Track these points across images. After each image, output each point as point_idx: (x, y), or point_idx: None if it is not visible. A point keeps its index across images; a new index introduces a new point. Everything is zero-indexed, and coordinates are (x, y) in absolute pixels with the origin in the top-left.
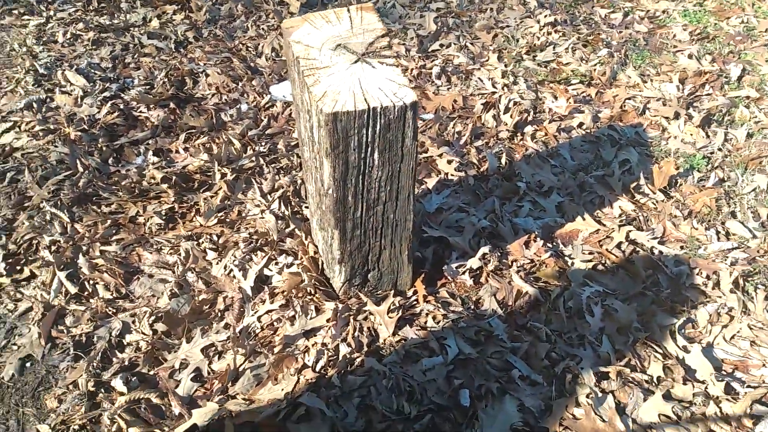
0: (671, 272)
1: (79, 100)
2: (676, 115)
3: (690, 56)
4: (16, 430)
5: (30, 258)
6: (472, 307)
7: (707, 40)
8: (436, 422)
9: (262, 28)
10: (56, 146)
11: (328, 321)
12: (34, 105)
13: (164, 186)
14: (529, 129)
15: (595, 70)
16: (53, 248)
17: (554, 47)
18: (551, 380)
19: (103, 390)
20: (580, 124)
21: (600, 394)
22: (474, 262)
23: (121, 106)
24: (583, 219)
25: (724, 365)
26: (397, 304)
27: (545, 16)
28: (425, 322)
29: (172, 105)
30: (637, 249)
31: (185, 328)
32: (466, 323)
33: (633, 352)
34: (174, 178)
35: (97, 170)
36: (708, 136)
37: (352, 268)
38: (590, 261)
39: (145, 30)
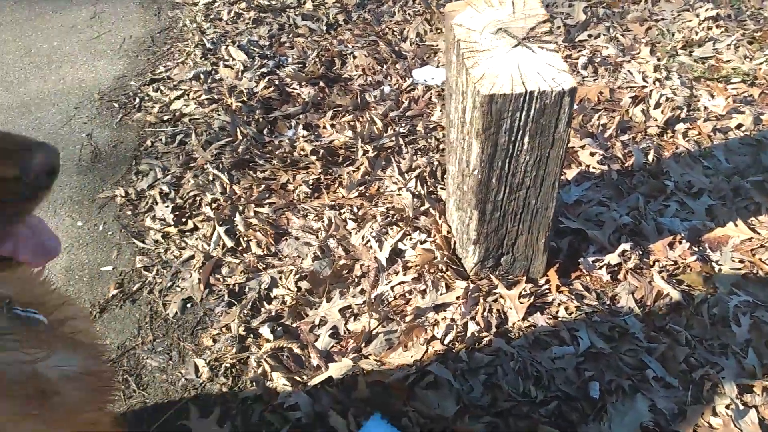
0: None
1: (239, 74)
2: None
3: None
4: (177, 361)
5: (194, 212)
6: (608, 302)
7: None
8: (563, 410)
9: (408, 14)
10: (219, 115)
11: (458, 299)
12: (202, 76)
13: (313, 158)
14: (680, 126)
15: (760, 68)
16: (214, 205)
17: (714, 43)
18: (688, 385)
19: (251, 335)
20: (739, 126)
21: (742, 407)
22: (613, 258)
23: (276, 82)
24: (735, 225)
25: None
26: (529, 291)
27: (706, 10)
28: (557, 312)
29: (321, 84)
30: None
31: (326, 288)
32: (600, 318)
33: None
34: (321, 151)
35: (254, 139)
36: None
37: (486, 250)
38: (740, 269)
39: (299, 11)
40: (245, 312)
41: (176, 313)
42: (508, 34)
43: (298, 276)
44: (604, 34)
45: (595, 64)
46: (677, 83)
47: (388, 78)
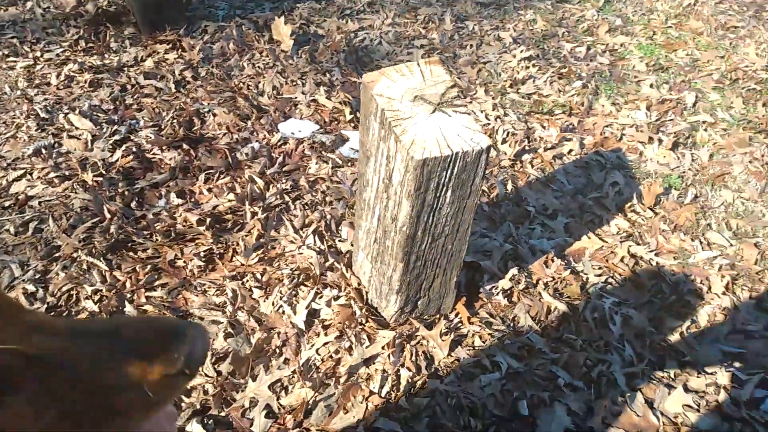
0: (670, 280)
1: (89, 143)
2: (650, 140)
3: (651, 85)
4: None
5: (73, 309)
6: (511, 324)
7: (661, 71)
8: None
9: (259, 67)
10: (76, 193)
11: (383, 348)
12: (44, 151)
13: (200, 228)
14: (527, 157)
15: (573, 100)
16: (96, 297)
17: (534, 80)
18: (590, 384)
19: None
20: (570, 151)
21: (630, 393)
22: (505, 283)
23: (134, 149)
24: (588, 237)
25: (727, 357)
26: (447, 328)
27: (521, 51)
28: (473, 342)
29: (185, 146)
30: (638, 261)
31: (248, 366)
32: (509, 340)
33: (651, 353)
34: (208, 219)
35: (124, 216)
36: (678, 158)
37: (406, 297)
38: (601, 275)
39: (140, 70)
40: None
41: None
42: (424, 101)
43: (214, 359)
44: None
45: None
46: (514, 118)
47: (254, 134)
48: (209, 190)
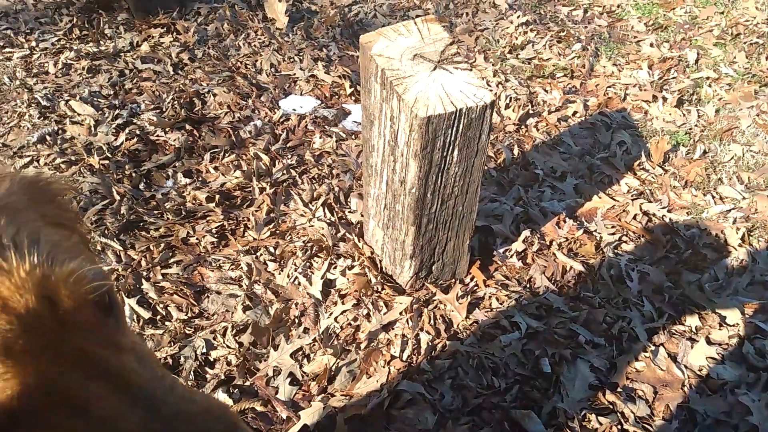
0: (685, 235)
1: (92, 128)
2: (654, 98)
3: (651, 45)
4: None
5: None
6: (527, 285)
7: (661, 30)
8: (525, 391)
9: (255, 45)
10: (84, 177)
11: (401, 314)
12: (48, 138)
13: (210, 205)
14: (531, 121)
15: (573, 63)
16: (113, 277)
17: (533, 45)
18: (611, 341)
19: None
20: (574, 113)
21: (653, 348)
22: (518, 246)
23: (138, 132)
24: (599, 197)
25: (747, 309)
26: (463, 291)
27: (518, 17)
28: (491, 305)
29: (188, 126)
30: (651, 219)
31: (269, 336)
32: (526, 301)
33: (671, 308)
34: (217, 197)
35: (134, 197)
36: (684, 115)
37: (420, 262)
38: (614, 234)
39: (137, 55)
40: (190, 383)
41: None
42: (424, 59)
43: (235, 331)
44: None
45: None
46: (516, 83)
47: (256, 112)
48: (215, 168)
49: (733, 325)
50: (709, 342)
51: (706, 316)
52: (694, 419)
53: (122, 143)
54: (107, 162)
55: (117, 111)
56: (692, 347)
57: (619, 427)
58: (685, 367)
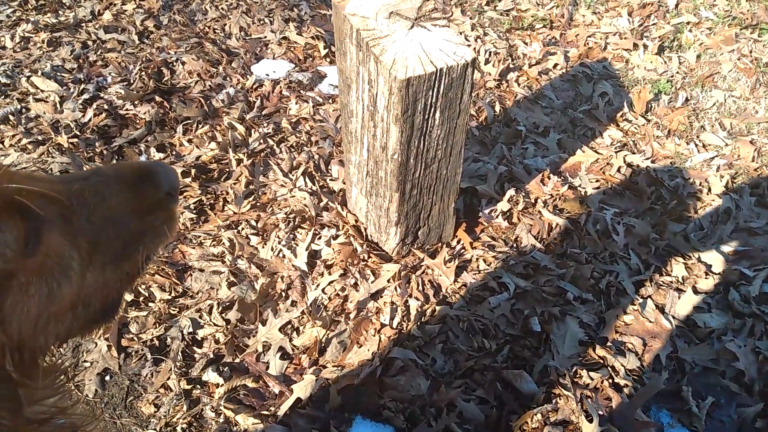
0: (669, 185)
1: (58, 105)
2: (635, 46)
3: None
4: None
5: None
6: (514, 245)
7: None
8: (516, 351)
9: (222, 8)
10: (53, 157)
11: (389, 281)
12: (11, 117)
13: (187, 180)
14: (512, 75)
15: (552, 13)
16: None
17: None
18: (599, 296)
19: (197, 386)
20: (555, 65)
21: (641, 300)
22: (503, 205)
23: (106, 107)
24: (583, 151)
25: (732, 257)
26: (450, 255)
27: None
28: (478, 267)
29: (158, 98)
30: (635, 170)
31: (257, 312)
32: (514, 260)
33: (657, 260)
34: (192, 171)
35: None
36: (665, 62)
37: (406, 228)
38: (599, 188)
39: (99, 24)
40: (178, 364)
41: (96, 391)
42: (401, 17)
43: (221, 308)
44: None
45: None
46: (495, 37)
47: (228, 79)
48: (189, 141)
49: (719, 273)
50: (696, 291)
51: (692, 266)
52: (683, 368)
53: (90, 119)
54: (76, 140)
55: (82, 85)
56: (679, 297)
57: (610, 381)
58: (673, 317)
